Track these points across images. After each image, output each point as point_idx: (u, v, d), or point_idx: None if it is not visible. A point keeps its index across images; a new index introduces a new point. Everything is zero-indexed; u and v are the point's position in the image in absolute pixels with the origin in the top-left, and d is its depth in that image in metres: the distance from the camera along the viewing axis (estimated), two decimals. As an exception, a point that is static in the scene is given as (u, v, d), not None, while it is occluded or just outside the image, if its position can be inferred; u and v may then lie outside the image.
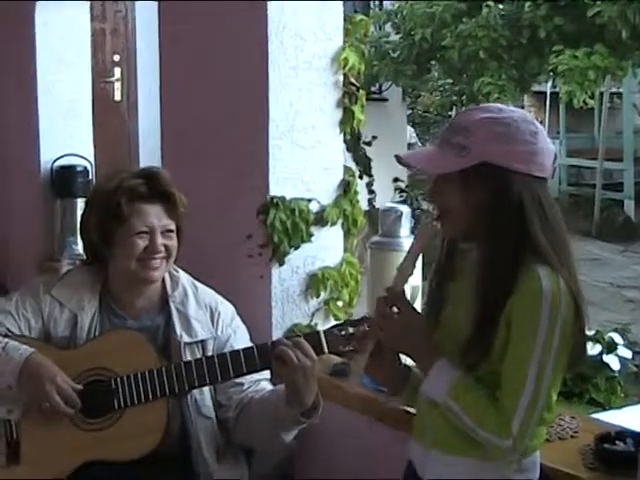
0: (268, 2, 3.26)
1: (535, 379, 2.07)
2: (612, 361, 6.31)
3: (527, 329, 2.07)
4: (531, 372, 2.06)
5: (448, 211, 2.18)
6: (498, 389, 2.12)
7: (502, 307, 2.09)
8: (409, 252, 2.33)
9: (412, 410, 2.51)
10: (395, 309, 2.23)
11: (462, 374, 2.14)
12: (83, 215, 3.06)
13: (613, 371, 6.30)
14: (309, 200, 3.38)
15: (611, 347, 6.37)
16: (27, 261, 5.04)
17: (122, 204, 2.90)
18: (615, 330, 6.69)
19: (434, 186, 2.21)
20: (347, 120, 3.44)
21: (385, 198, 10.47)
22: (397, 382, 2.39)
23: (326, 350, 2.78)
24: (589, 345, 5.74)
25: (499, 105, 2.23)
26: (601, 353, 6.32)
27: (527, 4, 9.38)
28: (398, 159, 2.22)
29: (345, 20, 3.42)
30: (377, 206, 8.52)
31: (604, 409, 5.97)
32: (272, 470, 3.20)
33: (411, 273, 2.27)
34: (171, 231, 2.96)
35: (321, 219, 3.40)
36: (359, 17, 3.47)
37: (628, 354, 6.41)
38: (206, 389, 2.95)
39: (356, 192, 3.48)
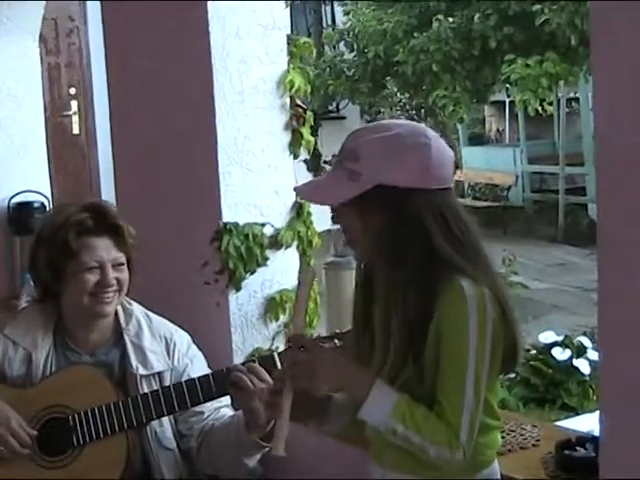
0: (210, 29, 3.26)
1: (473, 388, 2.06)
2: (582, 365, 6.33)
3: (457, 340, 2.06)
4: (469, 382, 2.06)
5: (354, 237, 2.17)
6: (421, 394, 2.09)
7: (428, 322, 2.07)
8: (297, 299, 2.32)
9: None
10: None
11: (402, 394, 2.09)
12: (32, 252, 3.03)
13: (584, 375, 6.32)
14: (262, 224, 3.37)
15: (581, 351, 6.39)
16: (-12, 300, 5.01)
17: (70, 239, 2.88)
18: (584, 334, 6.71)
19: (334, 212, 2.19)
20: (296, 142, 3.44)
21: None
22: (318, 414, 2.36)
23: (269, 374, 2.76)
24: (559, 350, 5.78)
25: (389, 121, 2.21)
26: (571, 357, 6.33)
27: (476, 16, 9.45)
28: (297, 192, 2.25)
29: (289, 43, 3.43)
30: (330, 228, 8.53)
31: (577, 414, 5.99)
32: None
33: (304, 318, 2.25)
34: (122, 264, 2.95)
35: (276, 242, 3.39)
36: (303, 40, 3.48)
37: (598, 357, 6.41)
38: (166, 420, 2.94)
39: (309, 214, 3.47)
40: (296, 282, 2.49)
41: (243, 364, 2.81)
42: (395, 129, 2.13)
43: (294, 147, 3.44)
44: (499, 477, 2.28)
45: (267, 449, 2.83)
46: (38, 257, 2.97)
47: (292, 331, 2.26)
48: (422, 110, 12.12)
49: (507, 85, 9.97)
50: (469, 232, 2.13)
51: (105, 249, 2.92)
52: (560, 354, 6.30)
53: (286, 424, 2.17)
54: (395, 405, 2.08)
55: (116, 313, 3.01)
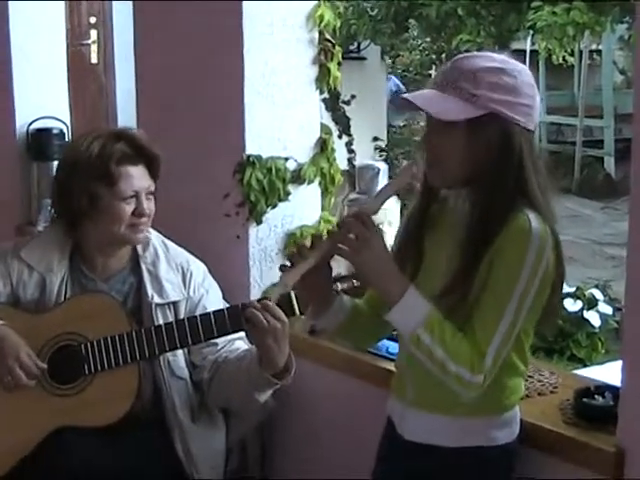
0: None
1: (513, 313, 2.06)
2: (593, 317, 6.34)
3: (512, 262, 2.05)
4: (508, 313, 2.05)
5: (445, 159, 2.13)
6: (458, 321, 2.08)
7: (489, 247, 2.06)
8: (386, 187, 2.27)
9: (392, 367, 2.50)
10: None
11: (434, 307, 2.08)
12: (62, 180, 2.99)
13: (594, 327, 6.33)
14: (286, 159, 3.35)
15: (592, 303, 6.39)
16: (4, 225, 5.00)
17: (111, 167, 2.87)
18: (596, 286, 6.71)
19: (432, 132, 2.15)
20: (323, 77, 3.40)
21: (365, 157, 10.44)
22: (321, 304, 2.31)
23: (297, 311, 2.76)
24: (570, 302, 5.79)
25: (500, 55, 2.18)
26: (582, 309, 6.34)
27: (504, -40, 9.33)
28: (399, 100, 2.17)
29: (320, -23, 3.38)
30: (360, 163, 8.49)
31: (585, 365, 6.00)
32: (251, 431, 3.19)
33: (378, 209, 2.18)
34: (152, 193, 2.95)
35: (298, 177, 3.37)
36: (334, -26, 3.43)
37: (609, 310, 6.43)
38: (179, 351, 2.94)
39: (333, 150, 3.45)
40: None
41: (259, 301, 2.79)
42: (512, 64, 2.12)
43: (321, 82, 3.41)
44: (519, 422, 2.29)
45: (279, 386, 2.83)
46: (72, 185, 2.93)
47: (363, 208, 2.17)
48: (442, 54, 12.00)
49: (531, 32, 9.85)
50: (548, 178, 2.14)
51: (140, 177, 2.92)
52: (571, 305, 6.30)
53: (293, 278, 2.12)
54: (427, 314, 2.06)
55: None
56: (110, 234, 2.92)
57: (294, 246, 2.21)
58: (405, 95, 2.17)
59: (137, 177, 2.92)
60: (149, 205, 2.94)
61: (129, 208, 2.90)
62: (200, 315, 2.88)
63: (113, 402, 2.83)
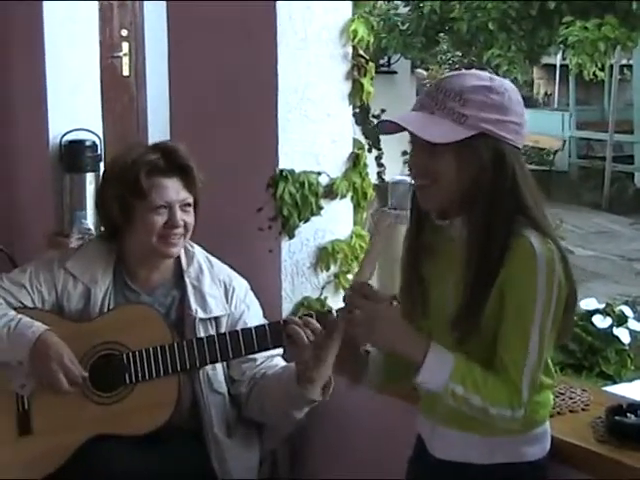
0: (277, -26, 3.24)
1: (538, 344, 2.05)
2: (622, 334, 6.26)
3: (525, 295, 2.05)
4: (533, 337, 2.05)
5: (436, 181, 2.11)
6: (488, 361, 2.08)
7: (495, 276, 2.06)
8: (370, 245, 2.29)
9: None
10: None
11: (458, 354, 2.07)
12: (100, 189, 3.07)
13: (623, 344, 6.26)
14: (318, 173, 3.36)
15: (621, 320, 6.32)
16: (37, 236, 5.04)
17: (141, 178, 2.90)
18: (625, 303, 6.66)
19: (421, 155, 2.12)
20: (356, 92, 3.42)
21: (394, 171, 10.44)
22: (355, 370, 2.32)
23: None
24: (599, 318, 5.75)
25: (486, 73, 2.18)
26: (611, 326, 6.27)
27: (537, -25, 9.34)
28: (384, 124, 2.16)
29: (354, -8, 3.40)
30: (386, 179, 8.49)
31: (614, 382, 5.96)
32: (282, 444, 3.20)
33: (374, 268, 2.22)
34: (189, 205, 2.97)
35: (330, 192, 3.38)
36: (368, -11, 3.45)
37: (638, 327, 6.38)
38: (219, 365, 2.96)
39: (365, 165, 3.46)
40: (370, 228, 2.45)
41: (300, 317, 2.80)
42: (499, 81, 2.12)
43: (354, 97, 3.42)
44: (549, 437, 2.28)
45: (316, 403, 2.84)
46: (107, 196, 2.99)
47: (357, 278, 2.20)
48: (472, 69, 12.02)
49: (562, 47, 9.86)
50: (540, 194, 2.14)
51: (174, 190, 2.94)
52: (600, 322, 6.24)
53: (329, 369, 2.15)
54: (454, 367, 2.06)
55: (178, 255, 3.03)
56: (144, 245, 2.95)
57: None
58: (392, 118, 2.14)
59: (170, 188, 2.94)
60: (185, 217, 2.95)
61: (161, 219, 2.92)
62: (242, 329, 2.91)
63: (152, 412, 2.85)
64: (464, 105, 2.06)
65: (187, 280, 3.01)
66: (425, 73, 14.57)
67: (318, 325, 2.72)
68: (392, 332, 2.10)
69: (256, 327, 2.89)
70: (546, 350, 2.09)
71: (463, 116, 2.05)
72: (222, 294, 3.03)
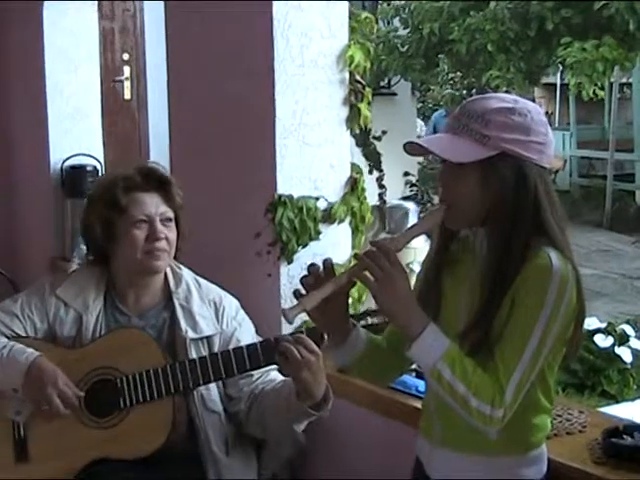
0: (273, 1, 3.27)
1: (535, 349, 2.06)
2: (624, 353, 6.29)
3: (534, 300, 2.06)
4: (532, 341, 2.06)
5: (460, 200, 2.15)
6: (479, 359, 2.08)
7: (509, 287, 2.08)
8: (414, 225, 2.29)
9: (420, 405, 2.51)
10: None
11: (454, 343, 2.08)
12: (84, 213, 3.10)
13: (625, 363, 6.28)
14: (317, 198, 3.39)
15: (623, 339, 6.35)
16: (38, 261, 5.07)
17: (118, 194, 2.95)
18: (627, 322, 6.67)
19: (447, 175, 2.17)
20: (354, 117, 3.45)
21: (396, 192, 10.47)
22: (337, 334, 2.30)
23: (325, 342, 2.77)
24: (601, 337, 5.75)
25: (511, 95, 2.23)
26: (613, 345, 6.29)
27: (534, -4, 9.38)
28: (411, 146, 2.18)
29: (350, 18, 3.43)
30: (388, 200, 8.51)
31: (617, 401, 5.96)
32: (282, 465, 3.21)
33: (403, 246, 2.18)
34: (169, 220, 3.00)
35: (329, 217, 3.40)
36: (364, 15, 3.48)
37: (640, 346, 6.39)
38: (212, 385, 2.98)
39: (363, 189, 3.49)
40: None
41: (291, 334, 2.82)
42: (522, 103, 2.15)
43: (351, 122, 3.45)
44: (546, 459, 2.29)
45: (317, 417, 2.86)
46: (90, 217, 3.03)
47: (388, 242, 2.15)
48: (473, 90, 12.07)
49: (561, 67, 9.90)
50: (563, 215, 2.17)
51: (153, 204, 2.98)
52: (602, 341, 6.25)
53: (313, 301, 2.13)
54: (447, 349, 2.07)
55: (166, 277, 3.06)
56: (130, 263, 2.98)
57: (312, 274, 2.21)
58: (417, 140, 2.20)
59: (148, 203, 2.98)
60: (166, 231, 2.98)
61: (142, 233, 2.95)
62: (233, 349, 2.92)
63: (148, 435, 2.87)
64: (486, 126, 2.10)
65: (176, 301, 3.04)
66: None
67: (310, 341, 2.72)
68: (401, 299, 2.10)
69: (247, 346, 2.91)
70: (539, 365, 2.09)
71: (485, 137, 2.10)
72: (212, 314, 3.05)
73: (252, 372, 2.99)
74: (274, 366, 3.00)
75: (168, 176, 3.06)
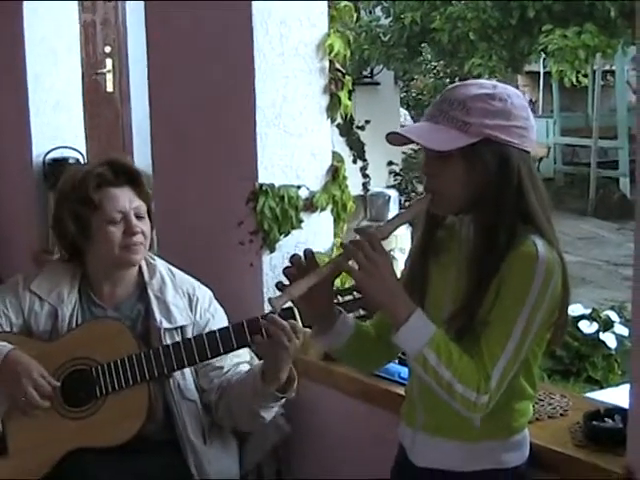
0: (252, -10, 3.27)
1: (519, 337, 2.07)
2: (609, 339, 6.31)
3: (519, 288, 2.07)
4: (517, 328, 2.07)
5: (445, 188, 2.16)
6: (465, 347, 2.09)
7: (495, 274, 2.09)
8: (400, 213, 2.30)
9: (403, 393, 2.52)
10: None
11: (440, 330, 2.09)
12: (55, 209, 3.08)
13: (610, 349, 6.31)
14: (298, 187, 3.39)
15: (608, 325, 6.38)
16: (21, 253, 5.06)
17: (90, 191, 2.94)
18: (611, 308, 6.70)
19: (430, 163, 2.17)
20: (334, 106, 3.44)
21: (380, 182, 10.48)
22: (324, 322, 2.31)
23: (300, 324, 2.76)
24: (586, 324, 5.77)
25: (490, 81, 2.23)
26: (598, 331, 6.32)
27: (515, -16, 9.38)
28: (392, 136, 2.18)
29: (329, 7, 3.43)
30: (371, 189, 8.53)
31: (602, 387, 5.99)
32: (266, 454, 3.22)
33: (389, 234, 2.19)
34: (143, 213, 3.00)
35: (311, 205, 3.40)
36: (343, 3, 3.47)
37: (625, 332, 6.41)
38: (188, 373, 2.99)
39: (345, 177, 3.49)
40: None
41: (263, 316, 2.82)
42: (502, 89, 2.15)
43: (332, 111, 3.45)
44: (529, 444, 2.31)
45: (283, 400, 2.88)
46: (63, 214, 3.01)
47: (376, 230, 2.17)
48: (456, 78, 12.07)
49: (543, 55, 9.91)
50: (547, 198, 2.18)
51: (126, 198, 2.98)
52: (587, 327, 6.28)
53: (299, 289, 2.13)
54: (433, 335, 2.07)
55: (140, 268, 3.07)
56: (107, 257, 2.98)
57: (294, 264, 2.22)
58: (399, 130, 2.20)
59: (121, 198, 2.97)
60: (140, 225, 2.98)
61: (118, 230, 2.95)
62: (206, 333, 2.93)
63: (125, 422, 2.87)
64: (467, 113, 2.10)
65: (150, 292, 3.04)
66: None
67: (293, 320, 2.73)
68: (387, 285, 2.10)
69: (220, 329, 2.91)
70: (524, 352, 2.10)
71: (466, 124, 2.10)
72: (186, 304, 3.05)
73: (223, 364, 3.00)
74: (244, 359, 3.03)
75: (138, 169, 3.05)
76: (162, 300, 3.03)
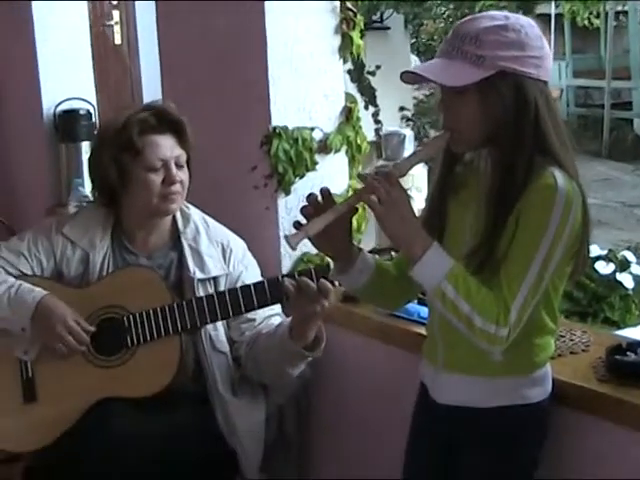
0: None
1: (539, 268, 2.06)
2: (625, 279, 6.27)
3: (539, 219, 2.05)
4: (537, 260, 2.05)
5: (462, 124, 2.14)
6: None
7: (513, 206, 2.07)
8: (417, 151, 2.28)
9: (423, 332, 2.51)
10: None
11: (457, 263, 2.08)
12: (93, 155, 3.05)
13: (627, 289, 6.26)
14: (312, 128, 3.35)
15: (624, 265, 6.33)
16: (35, 206, 5.04)
17: (134, 137, 2.90)
18: (628, 248, 6.66)
19: (447, 100, 2.15)
20: (346, 46, 3.40)
21: (392, 128, 10.40)
22: (343, 261, 2.31)
23: (330, 285, 2.75)
24: (602, 264, 5.76)
25: (502, 12, 2.18)
26: (614, 272, 6.28)
27: None
28: (406, 75, 2.15)
29: (339, -55, 3.38)
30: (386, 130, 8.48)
31: (619, 328, 5.97)
32: (288, 397, 3.22)
33: (407, 171, 2.18)
34: (183, 162, 2.98)
35: (325, 147, 3.37)
36: (354, -58, 3.42)
37: (647, 269, 6.39)
38: (220, 325, 2.98)
39: (358, 118, 3.46)
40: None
41: (299, 273, 2.83)
42: (514, 19, 2.12)
43: (344, 51, 3.41)
44: (551, 379, 2.30)
45: (310, 359, 2.86)
46: (102, 159, 2.97)
47: (394, 168, 2.16)
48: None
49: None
50: (564, 127, 2.15)
51: (168, 147, 2.95)
52: (603, 268, 6.25)
53: (316, 227, 2.13)
54: (450, 268, 2.07)
55: (174, 216, 3.05)
56: (143, 205, 2.96)
57: (311, 203, 2.21)
58: (411, 68, 2.17)
59: (163, 146, 2.94)
60: (180, 174, 2.95)
61: (158, 177, 2.92)
62: (240, 287, 2.92)
63: (156, 373, 2.87)
64: (480, 47, 2.07)
65: (184, 241, 3.02)
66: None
67: (327, 281, 2.71)
68: (404, 220, 2.09)
69: (254, 284, 2.91)
70: (544, 284, 2.08)
71: (480, 57, 2.07)
72: (220, 254, 3.04)
73: (255, 317, 2.99)
74: (276, 311, 3.02)
75: (181, 118, 3.00)
76: (195, 250, 3.01)
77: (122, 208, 3.04)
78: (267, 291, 2.87)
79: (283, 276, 2.88)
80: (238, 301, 2.88)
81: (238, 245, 3.10)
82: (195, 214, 3.09)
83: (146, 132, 2.93)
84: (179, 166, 2.96)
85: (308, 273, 2.82)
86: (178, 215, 3.06)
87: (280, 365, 2.91)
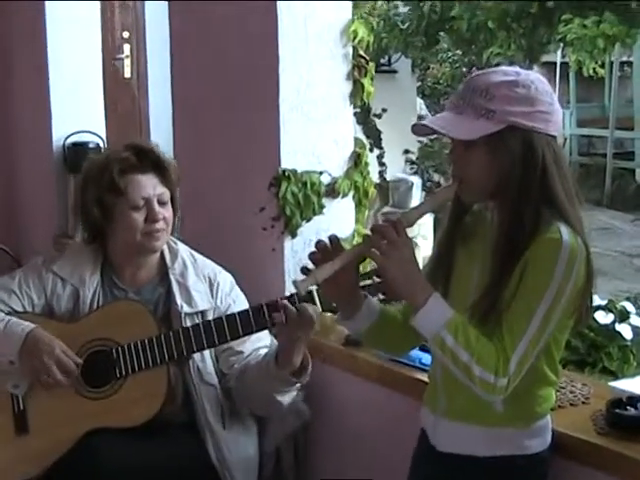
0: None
1: (541, 321, 2.07)
2: (624, 330, 6.30)
3: (543, 272, 2.07)
4: (539, 313, 2.07)
5: (471, 176, 2.17)
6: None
7: (519, 259, 2.09)
8: (426, 201, 2.32)
9: (425, 378, 2.53)
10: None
11: (458, 313, 2.10)
12: (79, 192, 3.09)
13: (625, 340, 6.29)
14: (320, 172, 3.39)
15: (623, 316, 6.35)
16: (41, 238, 5.07)
17: (115, 176, 2.95)
18: (627, 299, 6.68)
19: (456, 151, 2.18)
20: (357, 92, 3.45)
21: (396, 170, 10.42)
22: (349, 306, 2.33)
23: (319, 309, 2.77)
24: (602, 314, 5.76)
25: (512, 67, 2.22)
26: (613, 322, 6.30)
27: (535, -27, 9.31)
28: (417, 127, 2.20)
29: (353, -7, 3.43)
30: (388, 178, 8.52)
31: (617, 378, 5.98)
32: (286, 438, 3.23)
33: (415, 221, 2.20)
34: (166, 201, 3.02)
35: (332, 191, 3.41)
36: (367, -10, 3.48)
37: (647, 322, 6.40)
38: (208, 356, 3.01)
39: (367, 164, 3.50)
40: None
41: (282, 299, 2.81)
42: (524, 75, 2.15)
43: (355, 97, 3.46)
44: (551, 430, 2.31)
45: (298, 385, 2.89)
46: (86, 198, 3.03)
47: (402, 217, 2.18)
48: (473, 67, 12.02)
49: (561, 45, 9.84)
50: (573, 183, 2.17)
51: (150, 185, 3.00)
52: (603, 318, 6.27)
53: (324, 273, 2.15)
54: (451, 317, 2.09)
55: (162, 252, 3.09)
56: (128, 243, 3.00)
57: (319, 250, 2.24)
58: (423, 121, 2.21)
59: (145, 184, 2.99)
60: (163, 212, 2.99)
61: (140, 216, 2.97)
62: (226, 316, 2.94)
63: (144, 403, 2.89)
64: (491, 101, 2.10)
65: (172, 277, 3.06)
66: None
67: (315, 306, 2.74)
68: (406, 269, 2.11)
69: (239, 312, 2.92)
70: (545, 337, 2.10)
71: (491, 111, 2.10)
72: (207, 289, 3.07)
73: (243, 349, 3.01)
74: (265, 342, 3.03)
75: (164, 156, 3.06)
76: (183, 284, 3.05)
77: (109, 245, 3.08)
78: (251, 319, 2.88)
79: (267, 304, 2.87)
80: (223, 329, 2.89)
81: (226, 279, 3.13)
82: (183, 249, 3.13)
83: (127, 171, 2.98)
84: (162, 203, 3.00)
85: (290, 298, 2.83)
86: (166, 251, 3.09)
87: (269, 392, 2.93)
